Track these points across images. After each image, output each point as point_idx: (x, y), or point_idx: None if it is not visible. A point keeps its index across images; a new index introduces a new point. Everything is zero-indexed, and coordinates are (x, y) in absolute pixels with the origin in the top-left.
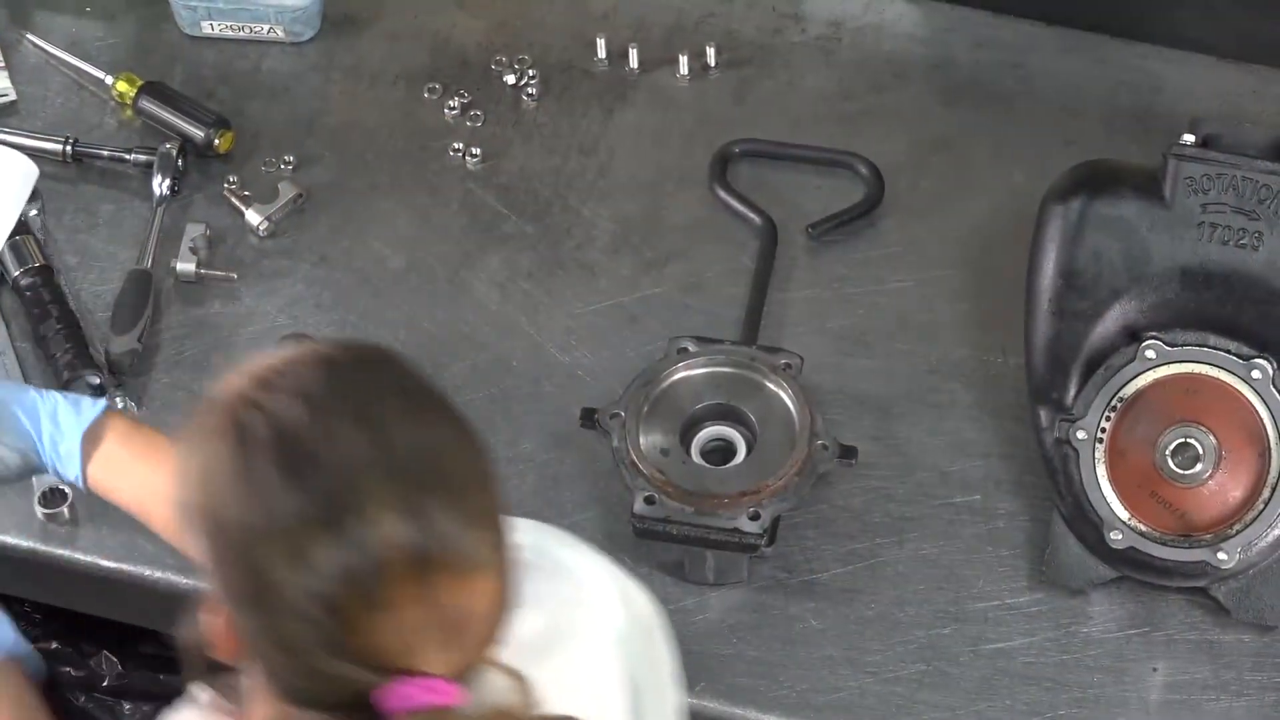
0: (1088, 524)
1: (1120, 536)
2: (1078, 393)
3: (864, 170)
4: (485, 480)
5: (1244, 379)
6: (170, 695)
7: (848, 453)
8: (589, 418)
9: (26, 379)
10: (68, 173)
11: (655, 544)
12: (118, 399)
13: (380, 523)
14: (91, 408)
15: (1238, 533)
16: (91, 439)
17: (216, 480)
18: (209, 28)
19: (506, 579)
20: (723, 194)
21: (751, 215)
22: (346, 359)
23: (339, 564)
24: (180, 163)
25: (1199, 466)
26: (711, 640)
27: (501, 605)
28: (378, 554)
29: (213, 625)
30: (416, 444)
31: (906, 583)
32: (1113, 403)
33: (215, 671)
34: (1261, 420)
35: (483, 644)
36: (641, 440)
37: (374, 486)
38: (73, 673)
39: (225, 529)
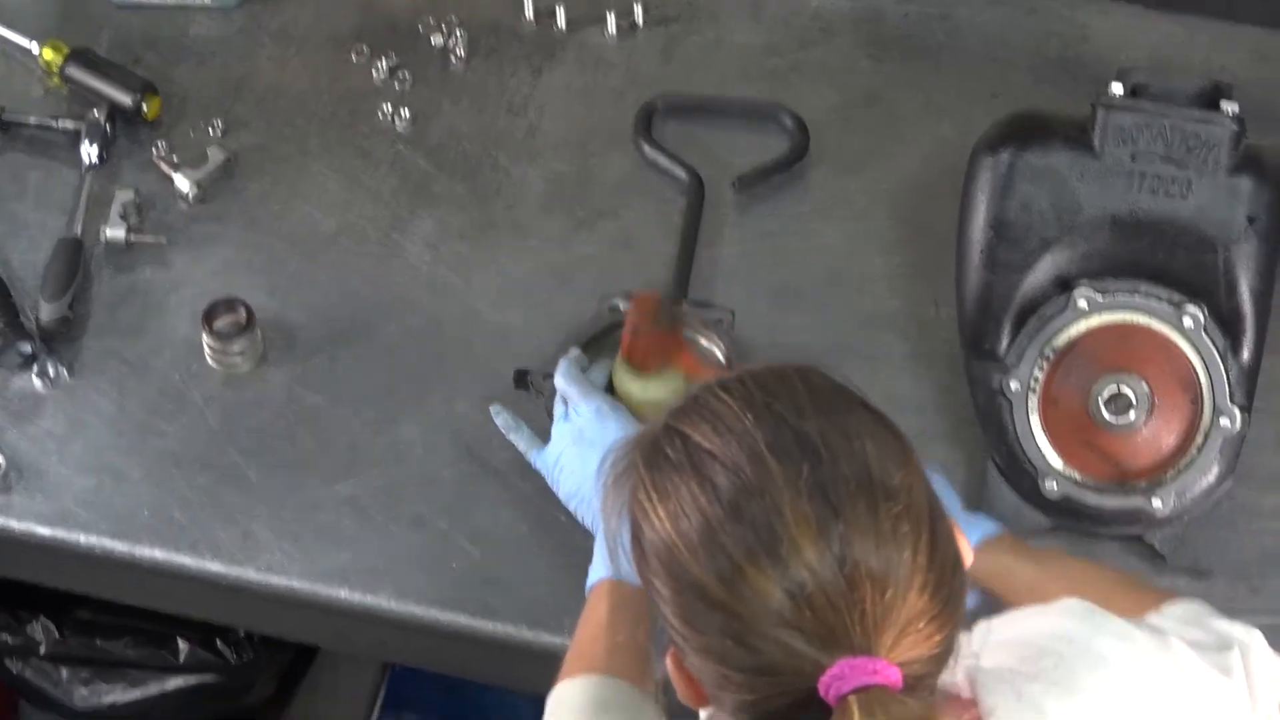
0: (1023, 474)
1: (1055, 486)
2: (1010, 343)
3: (789, 122)
4: (907, 488)
5: (1175, 326)
6: (107, 661)
7: None
8: (521, 379)
9: None
10: None
11: None
12: (49, 366)
13: (803, 550)
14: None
15: (1172, 479)
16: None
17: (673, 523)
18: None
19: (933, 583)
20: (649, 150)
21: (678, 171)
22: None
23: (776, 590)
24: (108, 129)
25: (1132, 414)
26: None
27: (930, 601)
28: (802, 581)
29: (674, 673)
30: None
31: None
32: (1045, 352)
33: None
34: (1193, 367)
35: (915, 635)
36: None
37: (794, 510)
38: (9, 640)
39: (680, 565)
